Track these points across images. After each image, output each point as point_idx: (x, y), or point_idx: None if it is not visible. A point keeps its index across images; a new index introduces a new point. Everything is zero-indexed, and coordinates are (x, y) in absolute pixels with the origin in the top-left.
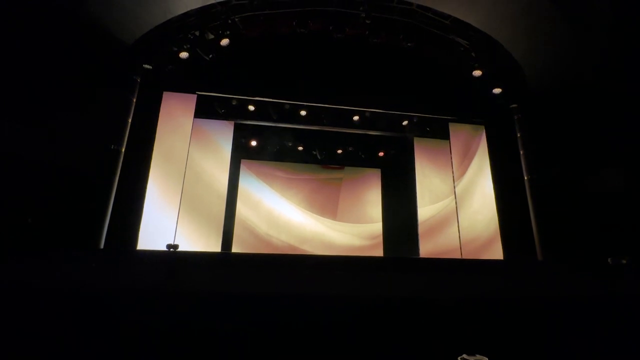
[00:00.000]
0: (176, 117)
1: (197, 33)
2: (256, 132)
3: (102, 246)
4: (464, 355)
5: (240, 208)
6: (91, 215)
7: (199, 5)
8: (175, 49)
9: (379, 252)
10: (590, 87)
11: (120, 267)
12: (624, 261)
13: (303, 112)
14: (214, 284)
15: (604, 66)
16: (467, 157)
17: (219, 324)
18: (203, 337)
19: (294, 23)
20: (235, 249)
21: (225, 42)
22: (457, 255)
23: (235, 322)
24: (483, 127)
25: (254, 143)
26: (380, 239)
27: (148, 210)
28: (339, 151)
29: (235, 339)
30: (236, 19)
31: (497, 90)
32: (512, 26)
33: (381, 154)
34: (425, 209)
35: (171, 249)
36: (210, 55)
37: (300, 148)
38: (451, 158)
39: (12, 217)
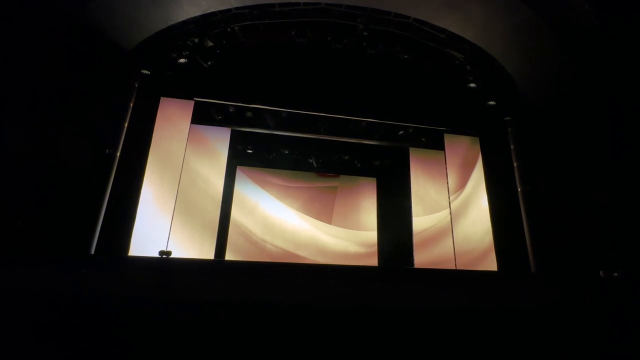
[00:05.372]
0: (173, 122)
1: (196, 40)
2: (253, 139)
3: (93, 252)
4: None
5: (235, 214)
6: (83, 219)
7: (199, 13)
8: (174, 55)
9: (373, 261)
10: (583, 100)
11: (111, 273)
12: (616, 274)
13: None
14: (207, 291)
15: (596, 79)
16: (466, 169)
17: (210, 332)
18: (194, 345)
19: (293, 33)
20: (229, 255)
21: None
22: (452, 267)
23: (228, 331)
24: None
25: (250, 150)
26: (375, 247)
27: (141, 216)
28: (335, 160)
29: (227, 348)
30: (235, 28)
31: (491, 103)
32: (505, 41)
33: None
34: (421, 220)
35: (164, 256)
36: (209, 62)
37: (297, 156)
38: (446, 169)
39: (2, 220)
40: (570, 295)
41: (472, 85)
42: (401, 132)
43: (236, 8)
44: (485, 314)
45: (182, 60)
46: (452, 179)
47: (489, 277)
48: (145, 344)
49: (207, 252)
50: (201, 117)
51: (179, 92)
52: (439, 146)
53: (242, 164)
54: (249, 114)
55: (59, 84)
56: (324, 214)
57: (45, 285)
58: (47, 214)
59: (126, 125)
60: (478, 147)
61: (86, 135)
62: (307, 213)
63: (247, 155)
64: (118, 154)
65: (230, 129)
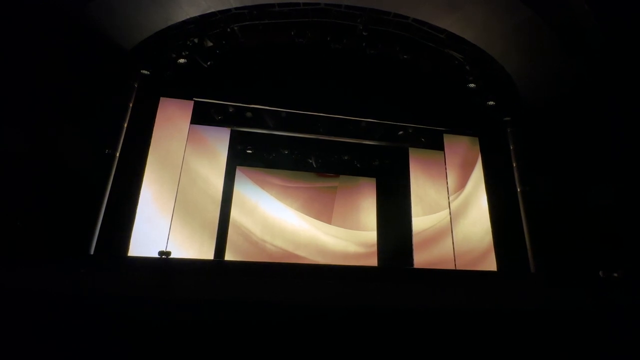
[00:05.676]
0: (173, 122)
1: (196, 40)
2: (252, 139)
3: (92, 252)
4: None
5: (235, 214)
6: (82, 219)
7: (199, 13)
8: (174, 55)
9: (373, 261)
10: (583, 100)
11: (111, 273)
12: (616, 274)
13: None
14: (206, 291)
15: (596, 79)
16: (465, 169)
17: (210, 332)
18: (194, 345)
19: (292, 33)
20: (229, 255)
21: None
22: (452, 267)
23: (228, 331)
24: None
25: (250, 150)
26: (375, 247)
27: (141, 216)
28: (335, 160)
29: (227, 348)
30: (235, 28)
31: (490, 103)
32: (505, 41)
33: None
34: (421, 220)
35: (163, 256)
36: (209, 62)
37: (296, 156)
38: (445, 169)
39: (2, 220)
40: (570, 295)
41: (472, 85)
42: (401, 132)
43: (236, 8)
44: (485, 314)
45: (181, 61)
46: (452, 179)
47: (489, 277)
48: (145, 344)
49: (206, 252)
50: (201, 117)
51: (179, 92)
52: (439, 146)
53: (241, 164)
54: (248, 114)
55: (59, 84)
56: (324, 214)
57: (45, 285)
58: (47, 214)
59: (126, 125)
60: (477, 147)
61: (86, 135)
62: (306, 213)
63: (246, 156)
64: (118, 154)
65: (229, 129)
